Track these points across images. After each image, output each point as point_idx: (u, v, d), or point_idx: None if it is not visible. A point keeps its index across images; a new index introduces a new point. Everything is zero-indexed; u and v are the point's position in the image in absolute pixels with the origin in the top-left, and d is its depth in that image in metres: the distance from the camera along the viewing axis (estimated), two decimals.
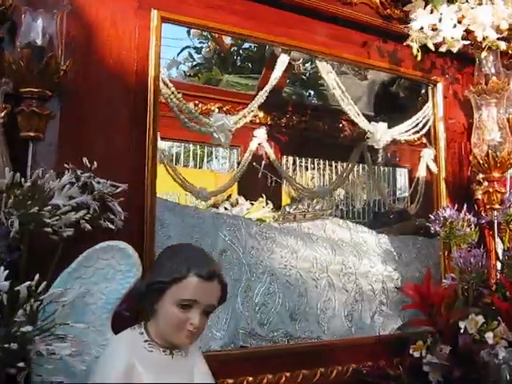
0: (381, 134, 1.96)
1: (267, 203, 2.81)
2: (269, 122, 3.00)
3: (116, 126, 1.50)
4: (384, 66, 1.96)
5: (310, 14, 1.81)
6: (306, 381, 1.70)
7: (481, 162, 1.89)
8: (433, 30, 1.86)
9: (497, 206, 1.90)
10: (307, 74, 3.09)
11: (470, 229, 1.90)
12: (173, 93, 1.74)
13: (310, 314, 2.00)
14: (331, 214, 2.67)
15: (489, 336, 1.68)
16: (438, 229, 1.93)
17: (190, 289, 1.16)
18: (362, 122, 1.96)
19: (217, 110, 2.85)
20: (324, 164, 3.51)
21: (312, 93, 3.20)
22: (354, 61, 1.96)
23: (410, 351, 1.76)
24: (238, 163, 2.95)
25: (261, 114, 2.97)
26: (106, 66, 1.49)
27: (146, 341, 1.18)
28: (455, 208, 1.93)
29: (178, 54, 3.08)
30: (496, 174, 1.90)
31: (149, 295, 1.18)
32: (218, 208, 2.82)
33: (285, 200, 3.10)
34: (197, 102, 2.82)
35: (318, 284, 2.06)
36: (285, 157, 3.13)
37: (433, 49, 1.85)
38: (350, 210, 5.09)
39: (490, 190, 1.90)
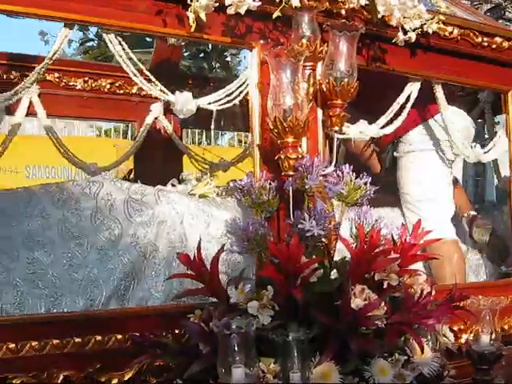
0: (182, 104, 1.94)
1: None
2: None
3: None
4: (182, 34, 1.92)
5: None
6: (78, 348, 1.75)
7: (271, 127, 1.84)
8: None
9: (290, 173, 1.85)
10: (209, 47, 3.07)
11: (268, 197, 1.87)
12: None
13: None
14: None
15: (251, 305, 1.66)
16: (238, 197, 1.91)
17: None
18: (162, 95, 1.96)
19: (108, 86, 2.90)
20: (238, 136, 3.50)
21: (217, 65, 3.17)
22: (147, 30, 1.94)
23: (191, 320, 1.77)
24: (134, 138, 2.99)
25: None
26: None
27: None
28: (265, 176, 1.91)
29: None
30: (290, 140, 1.84)
31: None
32: None
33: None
34: (86, 78, 2.88)
35: None
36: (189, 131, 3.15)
37: (204, 18, 1.79)
38: None
39: (282, 156, 1.85)
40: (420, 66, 2.32)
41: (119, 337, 1.78)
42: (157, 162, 2.99)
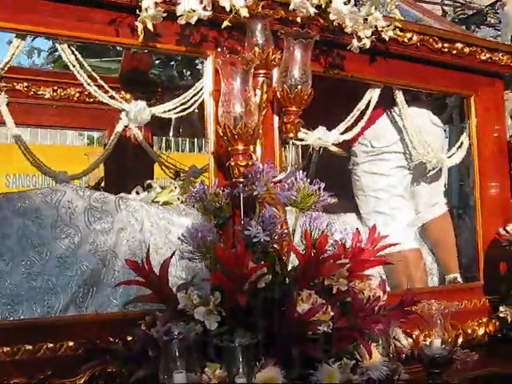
0: (135, 112, 1.97)
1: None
2: None
3: None
4: (136, 44, 1.94)
5: None
6: (29, 355, 1.75)
7: (221, 134, 1.86)
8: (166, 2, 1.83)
9: (241, 180, 1.86)
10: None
11: (220, 204, 1.89)
12: None
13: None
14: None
15: (198, 311, 1.66)
16: (191, 204, 1.93)
17: None
18: (115, 104, 1.98)
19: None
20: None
21: (189, 72, 3.20)
22: (100, 40, 1.96)
23: (142, 327, 1.78)
24: (105, 145, 3.01)
25: (127, 96, 3.02)
26: None
27: None
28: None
29: (32, 41, 3.15)
30: (240, 147, 1.86)
31: None
32: None
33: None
34: (55, 87, 2.90)
35: None
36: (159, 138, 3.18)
37: (151, 29, 1.81)
38: None
39: (232, 163, 1.86)
40: (380, 72, 2.34)
41: (71, 344, 1.79)
42: (127, 169, 3.01)
